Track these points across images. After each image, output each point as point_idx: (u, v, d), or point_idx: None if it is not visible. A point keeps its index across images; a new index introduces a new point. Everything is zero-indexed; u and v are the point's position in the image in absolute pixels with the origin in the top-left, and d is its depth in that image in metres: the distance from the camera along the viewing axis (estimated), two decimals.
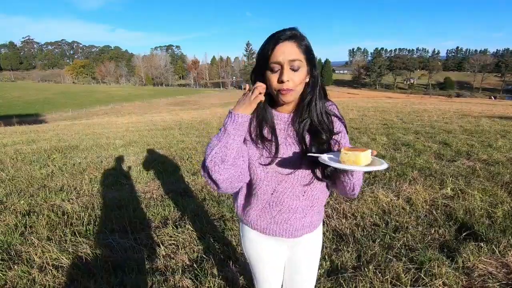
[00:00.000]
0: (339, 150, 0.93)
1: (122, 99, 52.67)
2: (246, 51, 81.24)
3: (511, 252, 2.07)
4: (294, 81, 0.90)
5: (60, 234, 2.54)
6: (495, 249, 2.13)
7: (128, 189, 3.64)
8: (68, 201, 3.25)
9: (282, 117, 1.01)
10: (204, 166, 0.94)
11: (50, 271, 2.05)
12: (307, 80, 0.96)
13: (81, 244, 2.35)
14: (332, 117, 1.03)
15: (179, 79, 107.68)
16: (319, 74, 0.98)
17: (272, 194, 1.02)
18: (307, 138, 1.00)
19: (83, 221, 2.76)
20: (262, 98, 0.93)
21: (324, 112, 1.00)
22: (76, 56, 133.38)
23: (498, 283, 1.84)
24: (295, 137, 1.00)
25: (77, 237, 2.47)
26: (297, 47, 0.90)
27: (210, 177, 0.93)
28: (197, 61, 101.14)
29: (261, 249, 1.15)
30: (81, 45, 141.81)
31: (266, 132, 0.99)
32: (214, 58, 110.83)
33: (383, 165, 0.83)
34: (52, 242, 2.39)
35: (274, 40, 0.89)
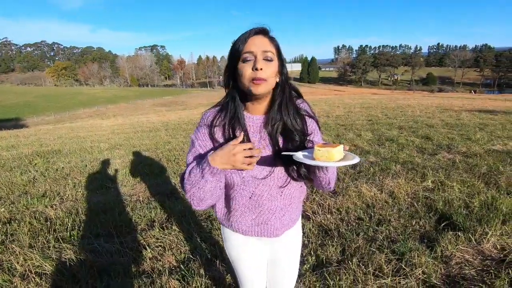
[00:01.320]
0: (311, 147, 0.95)
1: (106, 101, 51.58)
2: None
3: (486, 239, 2.17)
4: (267, 72, 0.90)
5: (43, 241, 2.48)
6: (471, 237, 2.22)
7: (113, 193, 3.59)
8: (51, 207, 3.17)
9: (254, 120, 1.01)
10: (183, 188, 0.98)
11: (33, 278, 2.01)
12: (277, 79, 0.97)
13: (65, 250, 2.31)
14: (305, 117, 1.04)
15: (165, 79, 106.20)
16: (287, 75, 1.00)
17: (250, 198, 1.02)
18: (280, 140, 1.01)
19: (67, 227, 2.70)
20: (250, 168, 0.92)
21: (296, 113, 1.01)
22: (57, 58, 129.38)
23: (474, 270, 1.93)
24: (268, 140, 1.00)
25: (60, 243, 2.43)
26: (269, 41, 0.92)
27: (191, 202, 0.98)
28: (183, 61, 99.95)
29: (243, 250, 1.16)
30: (62, 47, 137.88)
31: (237, 132, 0.98)
32: (200, 57, 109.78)
33: (355, 159, 0.85)
34: (35, 250, 2.33)
35: (246, 34, 0.91)
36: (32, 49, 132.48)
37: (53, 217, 2.90)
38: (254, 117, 1.01)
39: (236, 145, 0.89)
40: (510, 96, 27.51)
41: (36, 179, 4.20)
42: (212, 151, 0.93)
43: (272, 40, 0.93)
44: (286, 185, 1.04)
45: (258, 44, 0.89)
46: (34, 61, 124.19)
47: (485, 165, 3.85)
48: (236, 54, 0.91)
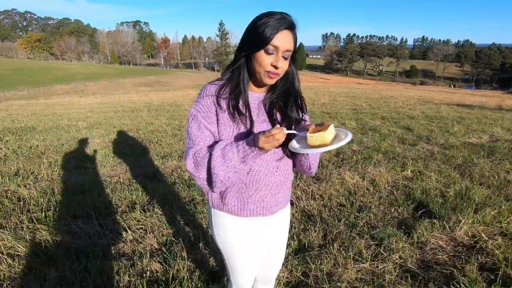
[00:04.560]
0: (306, 129, 0.94)
1: (85, 78, 49.08)
2: (219, 31, 78.58)
3: (459, 227, 2.29)
4: (283, 69, 0.96)
5: (16, 221, 2.37)
6: (445, 225, 2.33)
7: (92, 173, 3.46)
8: (25, 186, 3.02)
9: (256, 97, 1.05)
10: (197, 169, 0.97)
11: (5, 260, 1.92)
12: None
13: (40, 231, 2.21)
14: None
15: (148, 58, 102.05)
16: (295, 68, 1.05)
17: (248, 173, 1.03)
18: (278, 116, 1.05)
19: (42, 207, 2.59)
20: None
21: (299, 95, 1.07)
22: (30, 29, 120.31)
23: (446, 255, 2.03)
24: (265, 113, 1.04)
25: (35, 224, 2.32)
26: (293, 39, 0.94)
27: (211, 187, 0.98)
28: (168, 39, 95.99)
29: (236, 234, 1.13)
30: (35, 16, 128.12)
31: (240, 106, 1.00)
32: (185, 37, 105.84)
33: (348, 136, 0.87)
34: (6, 230, 2.22)
35: (276, 25, 0.89)
36: (2, 17, 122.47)
37: (26, 196, 2.77)
38: (255, 94, 1.05)
39: (280, 128, 0.86)
40: (486, 92, 28.74)
41: (7, 156, 3.98)
42: (254, 134, 0.91)
43: (295, 36, 0.95)
44: (281, 160, 1.06)
45: (284, 41, 0.91)
46: (4, 30, 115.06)
47: (461, 157, 4.02)
48: (261, 42, 0.90)
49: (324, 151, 0.88)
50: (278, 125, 0.98)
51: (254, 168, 1.03)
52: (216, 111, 0.99)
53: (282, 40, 0.90)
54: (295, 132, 0.92)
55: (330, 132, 0.87)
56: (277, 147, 1.01)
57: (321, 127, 0.88)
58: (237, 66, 0.99)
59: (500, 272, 1.81)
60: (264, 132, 0.86)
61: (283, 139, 0.86)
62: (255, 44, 0.92)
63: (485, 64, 74.84)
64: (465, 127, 6.11)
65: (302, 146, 0.90)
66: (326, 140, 0.85)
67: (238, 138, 0.99)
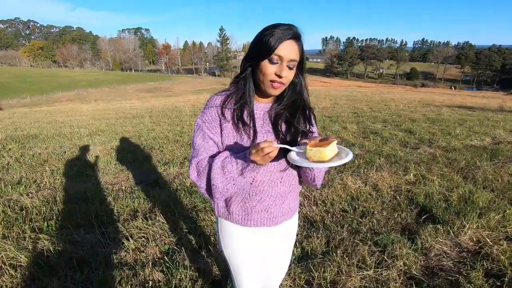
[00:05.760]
0: (305, 143, 0.94)
1: (87, 85, 49.42)
2: (220, 36, 79.11)
3: (463, 232, 2.26)
4: (288, 78, 0.96)
5: (18, 231, 2.37)
6: (450, 230, 2.31)
7: (94, 181, 3.46)
8: (27, 195, 3.02)
9: (261, 107, 1.05)
10: (199, 178, 0.99)
11: (7, 271, 1.91)
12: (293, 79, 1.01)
13: (42, 241, 2.21)
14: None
15: (150, 64, 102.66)
16: (304, 79, 1.04)
17: (251, 184, 1.04)
18: (284, 127, 1.05)
19: (44, 216, 2.59)
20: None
21: (307, 107, 1.06)
22: (33, 37, 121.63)
23: (451, 261, 2.00)
24: (271, 125, 1.05)
25: (37, 233, 2.32)
26: (297, 49, 0.94)
27: (211, 197, 1.00)
28: (169, 45, 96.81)
29: (241, 243, 1.14)
30: (38, 25, 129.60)
31: (245, 116, 1.01)
32: (186, 43, 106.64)
33: (348, 156, 0.85)
34: (9, 240, 2.22)
35: (281, 34, 0.90)
36: (5, 26, 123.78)
37: (29, 205, 2.77)
38: (261, 105, 1.05)
39: (269, 142, 0.85)
40: (487, 93, 28.70)
41: (10, 165, 3.99)
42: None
43: (300, 46, 0.95)
44: (285, 170, 1.06)
45: (289, 51, 0.92)
46: (7, 39, 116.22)
47: (464, 160, 3.99)
48: (265, 52, 0.91)
49: (320, 168, 0.88)
50: (269, 138, 0.98)
51: (258, 178, 1.03)
52: (220, 121, 1.01)
53: (286, 50, 0.91)
54: (287, 146, 0.91)
55: (330, 149, 0.86)
56: (275, 160, 0.99)
57: (323, 142, 0.87)
58: (243, 76, 0.99)
59: (506, 279, 1.79)
60: (254, 145, 0.85)
61: (275, 153, 0.85)
62: (260, 54, 0.93)
63: (485, 65, 74.65)
64: (467, 129, 6.08)
65: (301, 158, 0.90)
66: (324, 156, 0.84)
67: (241, 148, 0.99)
